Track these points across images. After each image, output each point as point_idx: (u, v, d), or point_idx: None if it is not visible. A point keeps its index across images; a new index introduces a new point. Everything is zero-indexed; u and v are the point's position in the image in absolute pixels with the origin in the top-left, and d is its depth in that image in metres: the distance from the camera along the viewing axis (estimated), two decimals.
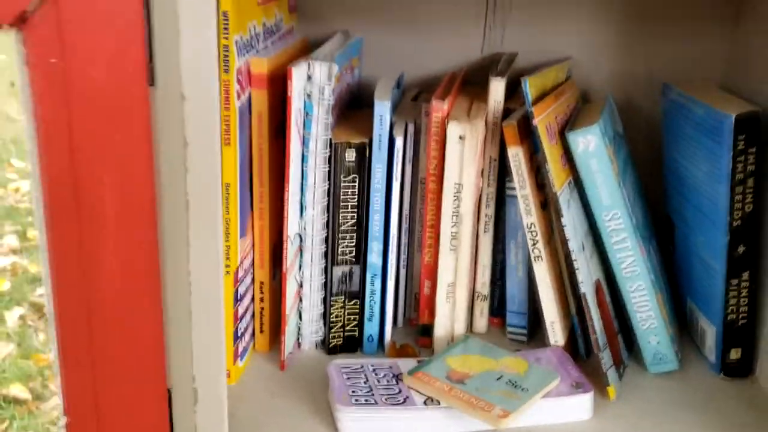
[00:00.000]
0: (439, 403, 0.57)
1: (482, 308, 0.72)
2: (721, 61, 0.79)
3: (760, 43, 0.71)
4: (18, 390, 2.11)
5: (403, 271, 0.72)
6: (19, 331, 2.36)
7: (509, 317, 0.71)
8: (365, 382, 0.60)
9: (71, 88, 0.42)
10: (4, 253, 2.76)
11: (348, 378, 0.60)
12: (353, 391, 0.58)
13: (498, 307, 0.73)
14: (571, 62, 0.78)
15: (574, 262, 0.61)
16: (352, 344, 0.68)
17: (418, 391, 0.59)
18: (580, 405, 0.60)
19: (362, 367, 0.62)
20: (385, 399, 0.57)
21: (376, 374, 0.61)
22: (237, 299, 0.61)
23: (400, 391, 0.59)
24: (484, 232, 0.70)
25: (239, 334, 0.62)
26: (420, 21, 0.79)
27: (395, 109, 0.69)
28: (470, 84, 0.75)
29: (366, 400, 0.57)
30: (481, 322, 0.72)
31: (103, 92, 0.42)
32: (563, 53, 0.79)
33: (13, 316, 2.41)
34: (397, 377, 0.61)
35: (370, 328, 0.67)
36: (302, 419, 0.59)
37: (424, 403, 0.57)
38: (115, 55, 0.42)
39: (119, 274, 0.45)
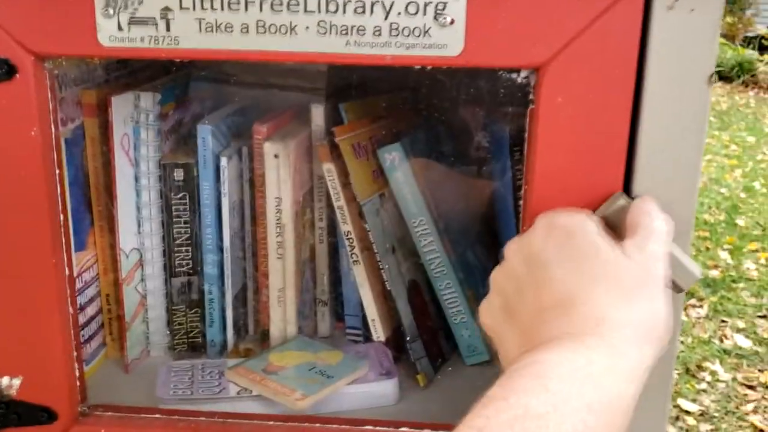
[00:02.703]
0: (251, 392, 0.64)
1: (323, 312, 0.79)
2: None
3: None
4: None
5: (251, 282, 0.78)
6: None
7: (347, 320, 0.78)
8: (189, 378, 0.66)
9: None
10: None
11: (174, 375, 0.67)
12: (174, 386, 0.65)
13: (342, 312, 0.80)
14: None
15: (379, 263, 0.69)
16: (197, 349, 0.74)
17: (236, 383, 0.65)
18: (385, 390, 0.66)
19: (192, 366, 0.69)
20: (201, 391, 0.64)
21: (203, 371, 0.68)
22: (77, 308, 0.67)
23: (219, 384, 0.65)
24: (320, 242, 0.77)
25: (81, 341, 0.69)
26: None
27: (238, 136, 0.77)
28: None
29: (182, 392, 0.63)
30: (323, 325, 0.79)
31: None
32: None
33: None
34: (222, 373, 0.67)
35: (212, 334, 0.74)
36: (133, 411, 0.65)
37: (238, 393, 0.64)
38: None
39: None
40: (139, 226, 0.70)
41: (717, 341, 3.06)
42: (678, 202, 0.48)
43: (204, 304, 0.73)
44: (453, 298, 0.72)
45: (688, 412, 2.60)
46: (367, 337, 0.77)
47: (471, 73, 0.73)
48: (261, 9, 0.47)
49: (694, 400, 2.66)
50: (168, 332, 0.74)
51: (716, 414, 2.60)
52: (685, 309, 3.26)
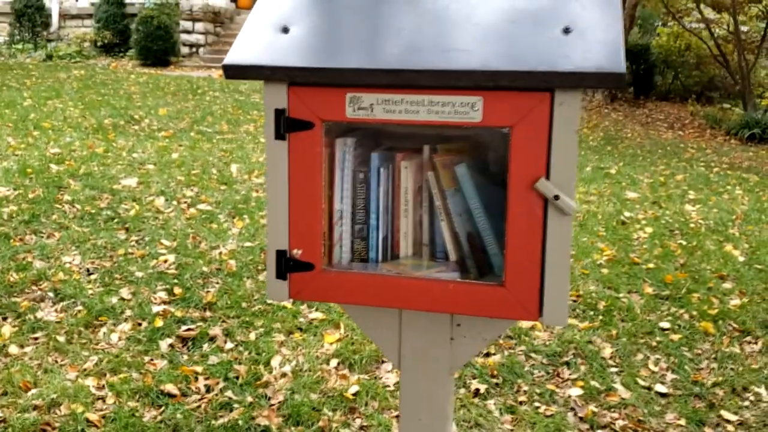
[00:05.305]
0: (392, 272, 1.41)
1: (425, 250, 1.55)
2: None
3: None
4: (170, 387, 3.01)
5: (391, 229, 1.56)
6: (169, 352, 3.29)
7: (437, 254, 1.54)
8: (364, 267, 1.45)
9: None
10: (158, 302, 3.75)
11: (356, 269, 1.46)
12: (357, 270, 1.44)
13: (434, 250, 1.56)
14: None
15: (453, 222, 1.45)
16: (365, 260, 1.52)
17: (387, 269, 1.43)
18: (453, 276, 1.42)
19: (364, 266, 1.47)
20: (370, 271, 1.42)
21: (367, 269, 1.46)
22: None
23: (379, 269, 1.43)
24: (424, 211, 1.54)
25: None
26: None
27: (387, 159, 1.56)
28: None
29: (360, 269, 1.42)
30: (426, 256, 1.55)
31: None
32: None
33: (164, 344, 3.36)
34: (378, 267, 1.45)
35: (372, 254, 1.52)
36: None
37: (386, 271, 1.42)
38: None
39: None
40: (341, 198, 1.50)
41: (767, 371, 3.54)
42: (564, 176, 1.23)
43: (368, 239, 1.52)
44: (490, 240, 1.47)
45: (728, 421, 3.12)
46: (446, 259, 1.53)
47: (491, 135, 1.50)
48: (408, 104, 1.27)
49: (735, 413, 3.17)
50: (351, 252, 1.53)
51: (754, 425, 3.11)
52: (741, 344, 3.76)
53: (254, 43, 1.31)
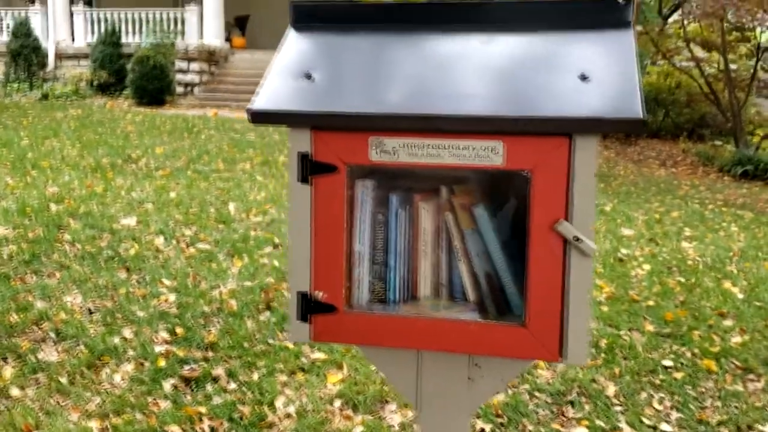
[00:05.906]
0: (412, 312, 1.43)
1: (442, 291, 1.57)
2: None
3: None
4: (175, 429, 2.99)
5: (409, 270, 1.58)
6: (172, 392, 3.27)
7: (455, 294, 1.56)
8: (384, 309, 1.46)
9: None
10: (160, 342, 3.73)
11: (375, 309, 1.47)
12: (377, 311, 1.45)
13: (452, 291, 1.58)
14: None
15: (472, 262, 1.47)
16: (384, 301, 1.54)
17: (407, 309, 1.44)
18: (472, 317, 1.43)
19: (384, 307, 1.49)
20: (389, 311, 1.43)
21: (385, 310, 1.47)
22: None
23: (398, 310, 1.45)
24: (442, 251, 1.56)
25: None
26: None
27: (405, 201, 1.59)
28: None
29: (379, 310, 1.43)
30: (444, 296, 1.57)
31: None
32: None
33: (167, 384, 3.33)
34: (397, 312, 1.47)
35: (390, 295, 1.54)
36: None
37: (405, 311, 1.43)
38: None
39: None
40: (360, 239, 1.52)
41: None
42: (583, 217, 1.25)
43: (387, 280, 1.53)
44: (508, 280, 1.49)
45: None
46: (465, 299, 1.54)
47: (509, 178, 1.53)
48: (432, 147, 1.30)
49: None
50: (370, 293, 1.54)
51: None
52: (743, 381, 3.76)
53: (279, 89, 1.34)
